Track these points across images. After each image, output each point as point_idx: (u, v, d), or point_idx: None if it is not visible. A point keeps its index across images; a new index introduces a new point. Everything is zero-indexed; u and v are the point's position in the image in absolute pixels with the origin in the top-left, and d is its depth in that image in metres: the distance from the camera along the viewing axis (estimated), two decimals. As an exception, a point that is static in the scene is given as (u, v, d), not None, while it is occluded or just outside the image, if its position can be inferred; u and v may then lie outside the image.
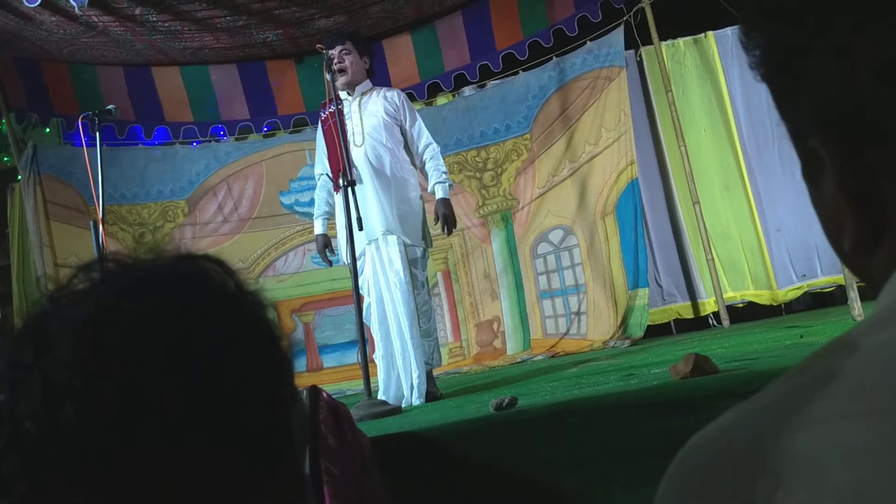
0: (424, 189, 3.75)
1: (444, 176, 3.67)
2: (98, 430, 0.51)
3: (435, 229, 3.85)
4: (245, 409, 0.55)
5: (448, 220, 3.62)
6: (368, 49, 3.79)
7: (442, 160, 3.74)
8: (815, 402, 0.38)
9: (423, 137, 3.70)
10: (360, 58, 3.68)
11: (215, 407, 0.53)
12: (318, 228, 3.77)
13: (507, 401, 2.28)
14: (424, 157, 3.70)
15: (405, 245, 3.56)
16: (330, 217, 3.79)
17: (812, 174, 0.45)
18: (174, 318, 0.54)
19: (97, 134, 3.24)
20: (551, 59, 5.52)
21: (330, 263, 3.82)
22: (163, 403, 0.51)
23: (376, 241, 3.54)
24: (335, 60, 3.58)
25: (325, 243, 3.72)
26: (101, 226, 3.00)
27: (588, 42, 5.41)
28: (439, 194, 3.64)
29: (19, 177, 5.45)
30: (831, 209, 0.44)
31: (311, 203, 3.86)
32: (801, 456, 0.36)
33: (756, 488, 0.37)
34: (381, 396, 3.43)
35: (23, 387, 0.53)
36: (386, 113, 3.65)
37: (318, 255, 5.87)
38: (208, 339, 0.54)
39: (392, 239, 3.54)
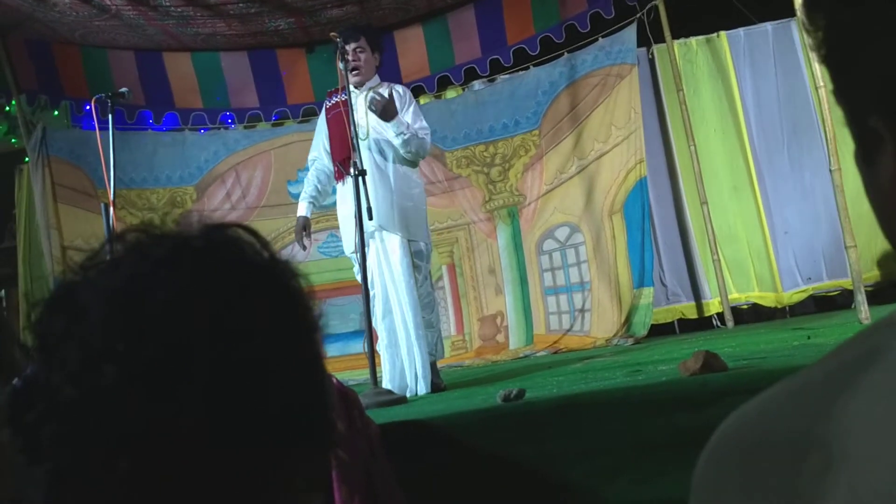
0: (427, 183, 3.74)
1: (409, 134, 3.49)
2: (140, 392, 0.51)
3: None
4: (280, 375, 0.55)
5: (377, 105, 3.42)
6: (380, 44, 3.79)
7: (422, 139, 3.56)
8: (867, 376, 0.38)
9: (417, 123, 3.59)
10: (373, 54, 3.69)
11: (251, 372, 0.53)
12: (302, 210, 3.73)
13: (515, 392, 2.29)
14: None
15: (407, 239, 3.57)
16: (315, 201, 3.75)
17: (869, 155, 0.45)
18: (210, 286, 0.54)
19: (110, 117, 3.24)
20: (562, 54, 5.51)
21: (304, 247, 3.72)
22: (202, 368, 0.52)
23: (379, 232, 3.54)
24: (350, 58, 3.58)
25: (305, 226, 3.67)
26: (112, 208, 3.00)
27: (600, 39, 5.39)
28: (406, 124, 3.49)
29: (27, 158, 5.46)
30: (888, 190, 0.44)
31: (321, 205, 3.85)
32: (857, 427, 0.36)
33: (806, 465, 0.37)
34: (385, 386, 3.44)
35: (57, 355, 0.52)
36: None
37: (324, 245, 5.94)
38: (244, 306, 0.54)
39: (394, 232, 3.55)
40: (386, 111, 3.45)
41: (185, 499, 0.52)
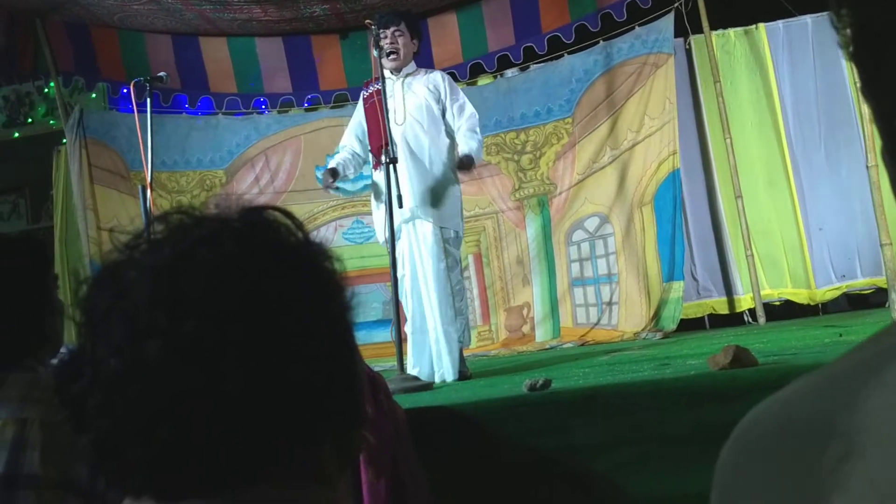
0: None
1: (477, 143, 3.58)
2: (181, 364, 0.53)
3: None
4: (312, 348, 0.57)
5: (465, 164, 3.52)
6: (419, 31, 3.81)
7: (479, 136, 3.66)
8: (889, 371, 0.38)
9: (466, 109, 3.65)
10: (411, 40, 3.68)
11: (285, 345, 0.56)
12: (331, 164, 3.75)
13: (541, 382, 2.28)
14: (462, 124, 3.61)
15: (440, 226, 3.58)
16: (343, 169, 3.73)
17: None
18: (248, 264, 0.56)
19: (147, 101, 3.28)
20: (598, 42, 5.44)
21: (336, 188, 3.72)
22: (239, 341, 0.54)
23: (412, 219, 3.55)
24: (388, 41, 3.57)
25: (333, 172, 3.67)
26: (149, 190, 3.05)
27: (636, 27, 5.33)
28: (469, 147, 3.53)
29: (65, 140, 5.55)
30: None
31: (346, 180, 3.86)
32: (877, 419, 0.37)
33: (826, 452, 0.38)
34: (411, 372, 3.45)
35: (103, 329, 0.55)
36: (428, 95, 3.65)
37: (349, 231, 5.96)
38: (278, 283, 0.57)
39: (427, 218, 3.56)
40: (466, 165, 3.54)
41: (220, 465, 0.54)
